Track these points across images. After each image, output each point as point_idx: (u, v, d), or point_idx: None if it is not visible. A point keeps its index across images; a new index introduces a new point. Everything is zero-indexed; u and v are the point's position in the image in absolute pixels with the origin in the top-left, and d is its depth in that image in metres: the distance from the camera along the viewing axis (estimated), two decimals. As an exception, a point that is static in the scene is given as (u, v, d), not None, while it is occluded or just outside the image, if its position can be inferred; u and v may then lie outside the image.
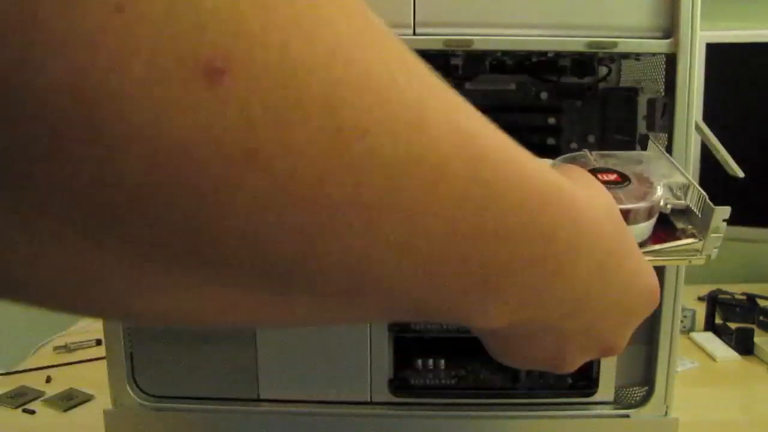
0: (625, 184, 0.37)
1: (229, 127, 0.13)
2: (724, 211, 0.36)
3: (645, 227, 0.36)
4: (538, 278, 0.23)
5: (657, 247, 0.36)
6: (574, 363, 0.32)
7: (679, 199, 0.38)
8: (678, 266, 0.50)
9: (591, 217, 0.25)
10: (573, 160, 0.40)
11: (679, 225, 0.38)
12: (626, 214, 0.34)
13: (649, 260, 0.35)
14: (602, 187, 0.30)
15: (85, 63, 0.11)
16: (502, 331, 0.27)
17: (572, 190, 0.24)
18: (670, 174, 0.40)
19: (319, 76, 0.14)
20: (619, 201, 0.34)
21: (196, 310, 0.19)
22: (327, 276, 0.17)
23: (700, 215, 0.38)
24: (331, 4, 0.15)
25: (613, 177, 0.38)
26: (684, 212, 0.38)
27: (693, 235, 0.37)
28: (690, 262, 0.38)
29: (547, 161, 0.41)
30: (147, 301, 0.17)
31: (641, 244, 0.36)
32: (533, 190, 0.21)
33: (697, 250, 0.37)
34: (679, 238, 0.37)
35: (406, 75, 0.16)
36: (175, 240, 0.14)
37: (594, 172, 0.37)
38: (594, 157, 0.41)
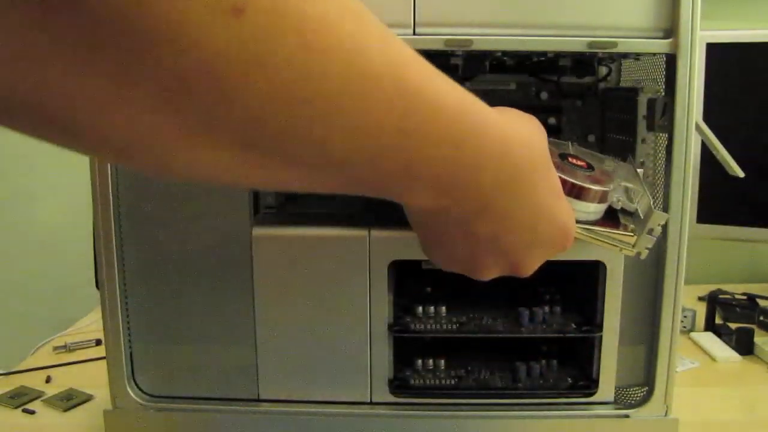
0: (589, 170, 0.44)
1: (242, 40, 0.21)
2: (662, 217, 0.44)
3: (594, 208, 0.43)
4: (450, 173, 0.31)
5: (598, 229, 0.43)
6: (485, 269, 0.38)
7: (632, 203, 0.45)
8: (677, 268, 0.50)
9: (502, 140, 0.32)
10: (557, 146, 0.46)
11: (623, 221, 0.45)
12: (579, 190, 0.42)
13: (589, 236, 0.43)
14: (535, 130, 0.36)
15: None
16: (426, 215, 0.35)
17: (487, 117, 0.32)
18: (630, 180, 0.46)
19: (293, 18, 0.22)
20: (576, 178, 0.42)
21: (213, 167, 0.27)
22: (298, 148, 0.26)
23: (642, 217, 0.45)
24: None
25: (581, 163, 0.45)
26: (632, 215, 0.45)
27: (632, 232, 0.44)
28: (621, 251, 0.44)
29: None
30: (182, 158, 0.26)
31: (588, 223, 0.43)
32: (445, 108, 0.29)
33: (630, 243, 0.44)
34: (619, 230, 0.44)
35: (355, 22, 0.25)
36: (205, 110, 0.23)
37: (567, 155, 0.45)
38: (574, 149, 0.47)
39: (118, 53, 0.20)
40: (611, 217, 0.45)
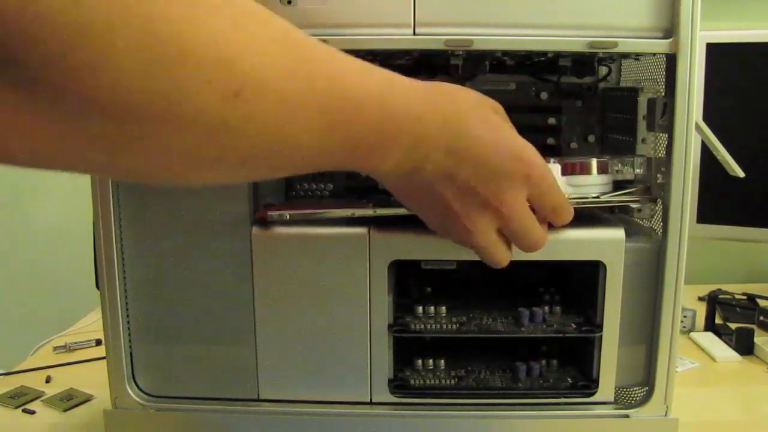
0: (587, 156, 0.53)
1: (238, 111, 0.30)
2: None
3: (601, 180, 0.51)
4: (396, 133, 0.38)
5: (611, 194, 0.52)
6: (467, 220, 0.42)
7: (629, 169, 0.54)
8: (677, 268, 0.51)
9: (424, 98, 0.40)
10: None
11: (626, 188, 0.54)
12: (584, 165, 0.50)
13: (601, 203, 0.51)
14: (461, 88, 0.43)
15: None
16: (398, 180, 0.42)
17: (406, 83, 0.39)
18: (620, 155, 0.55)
19: (272, 86, 0.31)
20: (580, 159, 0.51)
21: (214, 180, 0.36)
22: (275, 154, 0.34)
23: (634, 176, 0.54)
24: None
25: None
26: (633, 182, 0.54)
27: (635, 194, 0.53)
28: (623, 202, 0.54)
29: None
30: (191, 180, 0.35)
31: (603, 194, 0.51)
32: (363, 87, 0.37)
33: (634, 200, 0.53)
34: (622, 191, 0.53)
35: (301, 61, 0.33)
36: (215, 155, 0.31)
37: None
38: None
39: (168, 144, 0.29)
40: (618, 188, 0.53)
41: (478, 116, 0.42)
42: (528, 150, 0.43)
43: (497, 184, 0.42)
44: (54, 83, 0.24)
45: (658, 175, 0.52)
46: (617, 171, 0.52)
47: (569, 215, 0.47)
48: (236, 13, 0.29)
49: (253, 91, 0.30)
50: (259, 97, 0.30)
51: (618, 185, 0.53)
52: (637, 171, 0.52)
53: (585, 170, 0.50)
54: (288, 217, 0.50)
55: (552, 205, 0.45)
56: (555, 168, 0.49)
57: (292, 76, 0.32)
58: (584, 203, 0.49)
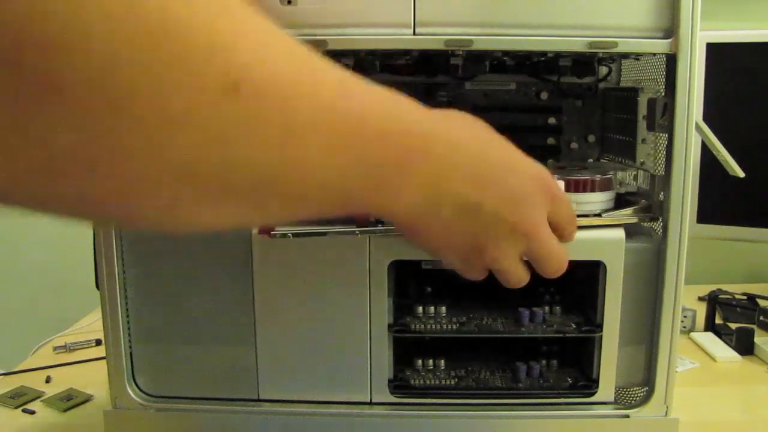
0: (589, 172, 0.53)
1: (239, 114, 0.27)
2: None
3: (604, 197, 0.51)
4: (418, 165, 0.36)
5: (613, 213, 0.51)
6: (494, 248, 0.41)
7: (630, 184, 0.55)
8: (677, 268, 0.51)
9: (443, 137, 0.37)
10: (554, 165, 0.56)
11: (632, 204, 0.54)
12: (587, 183, 0.50)
13: (609, 222, 0.51)
14: (471, 118, 0.41)
15: None
16: (415, 221, 0.38)
17: (426, 123, 0.37)
18: (620, 168, 0.56)
19: (277, 94, 0.28)
20: (582, 176, 0.51)
21: (220, 221, 0.30)
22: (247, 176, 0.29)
23: (637, 189, 0.54)
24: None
25: (579, 168, 0.54)
26: (635, 194, 0.54)
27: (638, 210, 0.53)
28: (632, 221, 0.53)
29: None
30: (187, 216, 0.29)
31: (605, 211, 0.51)
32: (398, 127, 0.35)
33: (635, 219, 0.52)
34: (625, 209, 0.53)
35: (314, 82, 0.30)
36: (217, 181, 0.27)
37: (564, 167, 0.53)
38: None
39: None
40: (620, 203, 0.53)
41: (489, 139, 0.40)
42: (543, 169, 0.42)
43: (524, 208, 0.40)
44: (7, 57, 0.20)
45: (660, 194, 0.51)
46: (620, 185, 0.52)
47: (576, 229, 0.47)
48: (232, 4, 0.26)
49: (253, 88, 0.26)
50: (260, 97, 0.27)
51: (620, 196, 0.54)
52: (640, 185, 0.53)
53: (588, 188, 0.50)
54: (291, 236, 0.49)
55: (568, 219, 0.45)
56: (559, 184, 0.48)
57: (295, 79, 0.28)
58: (587, 222, 0.50)
